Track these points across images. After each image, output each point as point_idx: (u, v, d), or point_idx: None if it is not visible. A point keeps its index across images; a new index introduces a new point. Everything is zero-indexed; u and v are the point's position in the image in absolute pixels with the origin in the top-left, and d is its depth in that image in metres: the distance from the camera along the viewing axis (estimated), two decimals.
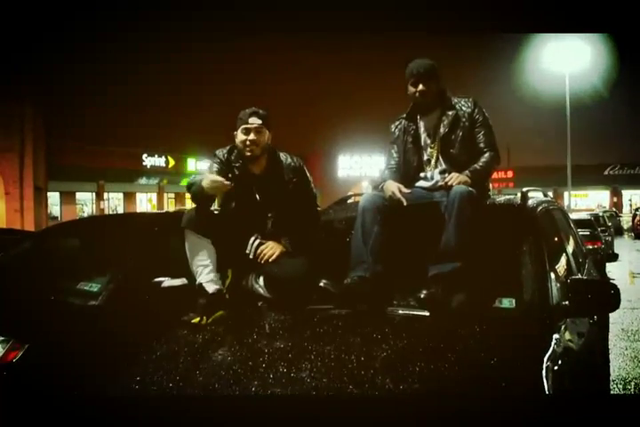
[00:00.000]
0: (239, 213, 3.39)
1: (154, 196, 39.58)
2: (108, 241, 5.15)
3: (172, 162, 38.33)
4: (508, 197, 3.92)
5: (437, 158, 3.43)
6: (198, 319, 3.10)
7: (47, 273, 4.98)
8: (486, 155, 3.38)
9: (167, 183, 39.13)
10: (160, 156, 37.51)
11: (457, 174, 3.25)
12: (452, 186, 3.19)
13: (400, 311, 3.02)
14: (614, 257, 15.99)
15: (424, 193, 3.38)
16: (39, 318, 4.21)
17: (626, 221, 36.22)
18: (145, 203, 38.76)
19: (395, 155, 3.56)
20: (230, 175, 3.38)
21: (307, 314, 3.08)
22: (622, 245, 22.59)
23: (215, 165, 3.44)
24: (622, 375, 6.04)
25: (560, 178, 33.85)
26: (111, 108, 39.01)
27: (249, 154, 3.38)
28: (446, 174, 3.35)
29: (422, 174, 3.48)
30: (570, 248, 4.09)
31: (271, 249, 3.33)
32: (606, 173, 48.31)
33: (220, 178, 3.22)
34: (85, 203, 35.23)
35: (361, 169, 47.47)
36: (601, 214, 21.95)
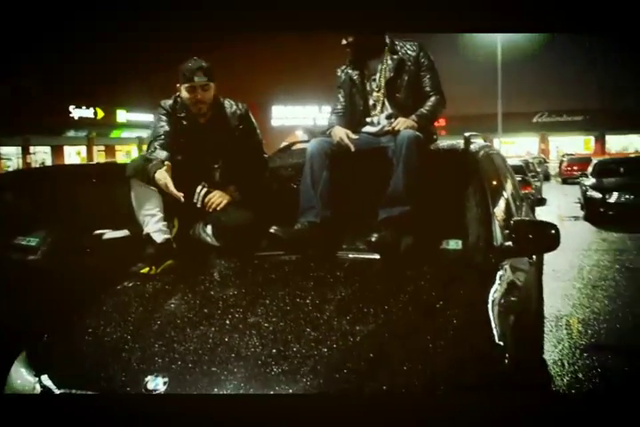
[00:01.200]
0: (186, 162, 3.33)
1: (83, 149, 38.46)
2: (44, 194, 4.99)
3: (100, 113, 37.12)
4: (450, 142, 3.97)
5: (383, 103, 3.43)
6: (147, 269, 3.07)
7: None
8: (432, 99, 3.39)
9: (96, 136, 38.02)
10: (88, 107, 36.25)
11: (404, 119, 3.26)
12: (399, 131, 3.19)
13: (350, 255, 3.06)
14: (543, 202, 16.50)
15: (371, 138, 3.38)
16: None
17: (553, 167, 37.34)
18: (74, 156, 37.64)
19: (341, 99, 3.54)
20: (177, 126, 3.33)
21: (257, 261, 3.09)
22: (550, 191, 23.31)
23: (161, 117, 3.35)
24: (554, 313, 6.32)
25: (491, 125, 34.43)
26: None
27: (197, 111, 3.32)
28: (392, 119, 3.35)
29: (368, 119, 3.47)
30: (509, 191, 4.19)
31: (218, 197, 3.30)
32: (534, 120, 49.33)
33: (170, 185, 3.10)
34: (10, 157, 33.99)
35: (295, 119, 47.12)
36: (530, 161, 22.53)
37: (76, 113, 35.75)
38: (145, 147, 3.46)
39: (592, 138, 48.74)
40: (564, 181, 30.72)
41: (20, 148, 33.91)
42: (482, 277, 2.83)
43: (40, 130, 32.62)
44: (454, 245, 3.11)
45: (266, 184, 3.50)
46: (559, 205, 17.85)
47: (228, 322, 2.36)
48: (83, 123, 36.25)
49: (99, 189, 5.12)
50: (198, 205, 3.31)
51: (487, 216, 3.20)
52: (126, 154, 39.02)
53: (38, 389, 2.29)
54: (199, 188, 3.32)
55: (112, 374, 2.16)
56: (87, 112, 36.35)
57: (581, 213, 15.32)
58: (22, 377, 2.42)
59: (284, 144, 4.38)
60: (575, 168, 29.83)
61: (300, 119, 46.97)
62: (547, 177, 30.52)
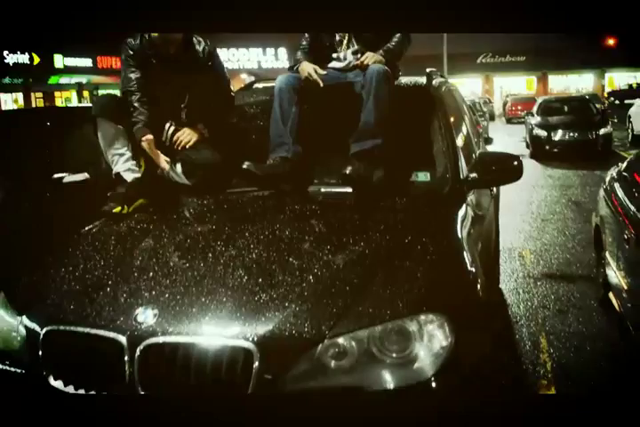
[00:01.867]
0: (153, 99, 3.27)
1: (20, 96, 37.03)
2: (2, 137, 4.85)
3: (36, 59, 35.63)
4: (413, 78, 3.99)
5: (350, 39, 3.41)
6: (119, 209, 3.05)
7: None
8: (398, 35, 3.39)
9: (33, 82, 36.57)
10: (23, 52, 34.72)
11: (372, 54, 3.26)
12: (367, 65, 3.20)
13: (323, 189, 3.10)
14: (490, 141, 16.66)
15: (338, 74, 3.38)
16: None
17: (497, 107, 37.68)
18: (10, 104, 36.24)
19: (307, 36, 3.51)
20: (146, 66, 3.26)
21: (230, 197, 3.11)
22: (496, 130, 23.62)
23: (129, 60, 3.26)
24: (507, 246, 6.53)
25: (436, 66, 34.34)
26: None
27: (165, 51, 3.25)
28: (359, 55, 3.35)
29: (335, 55, 3.46)
30: (469, 126, 4.26)
31: (187, 135, 3.27)
32: (479, 61, 49.39)
33: (156, 152, 3.13)
34: None
35: (238, 62, 46.11)
36: (477, 101, 22.70)
37: (11, 59, 34.25)
38: (86, 93, 3.38)
39: (534, 78, 49.15)
40: (509, 121, 31.17)
41: None
42: (451, 207, 2.92)
43: None
44: (423, 177, 3.18)
45: (234, 122, 3.48)
46: (505, 144, 18.13)
47: (210, 255, 2.39)
48: (18, 69, 34.78)
49: (53, 132, 5.02)
50: (167, 144, 3.28)
51: (453, 149, 3.27)
52: (65, 100, 37.69)
53: (22, 330, 2.29)
54: (167, 126, 3.29)
55: (100, 308, 2.18)
56: (22, 57, 34.85)
57: (527, 152, 15.63)
58: (4, 319, 2.42)
59: (252, 81, 4.33)
60: (519, 108, 30.26)
61: (244, 62, 46.03)
62: (492, 117, 30.84)
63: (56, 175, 4.69)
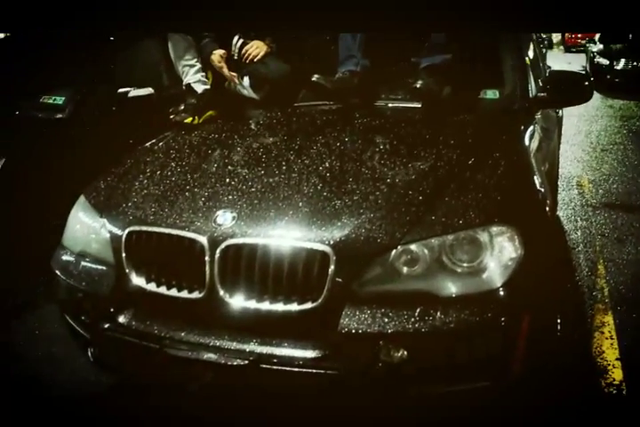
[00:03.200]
0: None
1: None
2: (66, 51, 4.90)
3: None
4: None
5: None
6: (191, 119, 3.11)
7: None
8: None
9: None
10: None
11: None
12: None
13: (391, 104, 3.10)
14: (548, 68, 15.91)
15: None
16: (9, 134, 4.13)
17: (555, 35, 36.20)
18: None
19: None
20: None
21: (299, 111, 3.13)
22: (554, 59, 22.79)
23: None
24: (565, 174, 6.45)
25: None
26: None
27: None
28: None
29: None
30: (537, 46, 4.16)
31: (256, 49, 3.27)
32: None
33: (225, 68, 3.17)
34: None
35: None
36: None
37: None
38: None
39: None
40: (567, 50, 29.98)
41: None
42: (520, 125, 2.90)
43: None
44: (492, 94, 3.14)
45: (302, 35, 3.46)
46: None
47: (283, 164, 2.44)
48: None
49: (117, 46, 5.04)
50: (235, 57, 3.29)
51: (523, 67, 3.21)
52: None
53: (104, 231, 2.39)
54: (235, 39, 3.29)
55: (180, 211, 2.26)
56: None
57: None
58: (84, 222, 2.53)
59: None
60: (579, 36, 29.01)
61: None
62: (549, 45, 29.71)
63: (121, 90, 4.75)
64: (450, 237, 2.06)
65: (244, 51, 3.28)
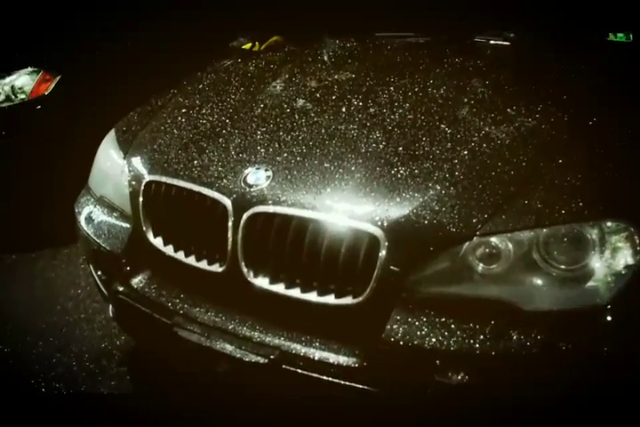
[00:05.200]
0: None
1: None
2: None
3: None
4: None
5: None
6: (250, 45, 2.63)
7: None
8: None
9: None
10: None
11: None
12: None
13: (493, 41, 2.50)
14: None
15: None
16: (68, 48, 3.76)
17: None
18: None
19: None
20: None
21: (379, 42, 2.59)
22: None
23: None
24: None
25: None
26: None
27: None
28: None
29: None
30: None
31: None
32: None
33: None
34: None
35: None
36: None
37: None
38: None
39: None
40: None
41: None
42: None
43: None
44: (623, 37, 2.50)
45: None
46: None
47: (344, 110, 1.94)
48: None
49: None
50: None
51: None
52: None
53: (126, 173, 2.00)
54: None
55: (208, 162, 1.82)
56: None
57: None
58: (109, 161, 2.15)
59: None
60: None
61: None
62: None
63: None
64: (546, 231, 1.54)
65: None
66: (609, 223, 1.55)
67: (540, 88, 2.08)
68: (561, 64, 2.29)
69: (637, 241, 1.53)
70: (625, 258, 1.54)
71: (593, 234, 1.55)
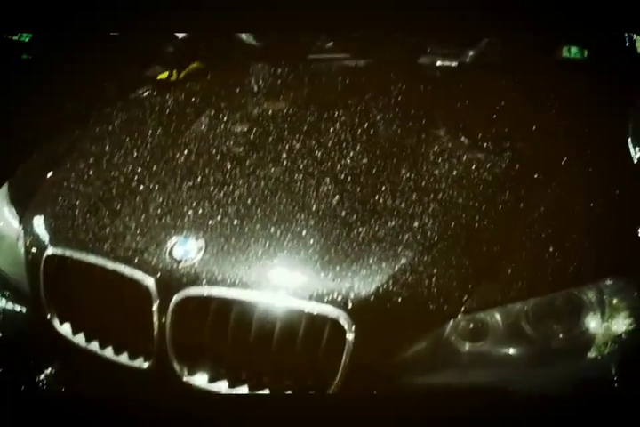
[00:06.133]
0: None
1: None
2: None
3: None
4: None
5: None
6: (167, 73, 2.31)
7: None
8: None
9: None
10: None
11: None
12: None
13: (441, 62, 2.25)
14: None
15: None
16: None
17: None
18: None
19: None
20: None
21: (314, 66, 2.31)
22: None
23: None
24: None
25: None
26: None
27: None
28: None
29: None
30: None
31: None
32: None
33: None
34: None
35: None
36: None
37: None
38: None
39: None
40: None
41: None
42: (618, 93, 2.08)
43: None
44: (577, 53, 2.31)
45: None
46: None
47: (285, 156, 1.64)
48: None
49: None
50: None
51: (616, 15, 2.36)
52: None
53: (21, 248, 1.62)
54: None
55: (123, 230, 1.48)
56: None
57: None
58: (5, 220, 1.76)
59: None
60: None
61: None
62: None
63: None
64: (539, 299, 1.29)
65: None
66: (608, 281, 1.31)
67: (503, 118, 1.84)
68: (517, 89, 2.07)
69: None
70: (627, 321, 1.30)
71: (591, 296, 1.30)
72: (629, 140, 1.80)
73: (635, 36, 2.35)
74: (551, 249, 1.33)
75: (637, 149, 1.77)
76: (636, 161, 1.71)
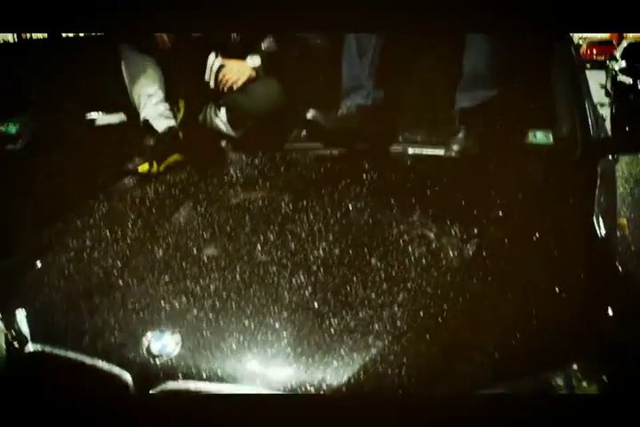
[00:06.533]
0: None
1: None
2: (25, 72, 4.21)
3: None
4: None
5: None
6: (147, 166, 2.37)
7: None
8: None
9: None
10: None
11: None
12: None
13: (411, 150, 2.35)
14: None
15: None
16: None
17: None
18: None
19: None
20: None
21: (288, 156, 2.39)
22: None
23: None
24: None
25: None
26: None
27: None
28: None
29: None
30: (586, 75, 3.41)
31: (236, 73, 2.53)
32: None
33: None
34: None
35: None
36: None
37: None
38: None
39: None
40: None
41: None
42: (581, 178, 2.16)
43: None
44: (543, 138, 2.40)
45: (296, 55, 2.71)
46: None
47: (259, 248, 1.69)
48: None
49: (91, 62, 4.32)
50: (211, 84, 2.56)
51: (581, 100, 2.49)
52: None
53: (4, 336, 1.65)
54: (211, 59, 2.56)
55: (101, 325, 1.51)
56: None
57: (607, 100, 14.31)
58: None
59: None
60: (595, 51, 28.41)
61: None
62: None
63: (88, 115, 4.03)
64: (506, 385, 1.32)
65: (220, 75, 2.55)
66: (575, 366, 1.35)
67: (473, 204, 1.90)
68: (489, 175, 2.15)
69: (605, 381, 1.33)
70: None
71: (559, 381, 1.33)
72: (594, 218, 1.88)
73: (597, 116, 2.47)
74: (518, 335, 1.37)
75: (602, 226, 1.84)
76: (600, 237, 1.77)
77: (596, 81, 17.71)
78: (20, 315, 1.66)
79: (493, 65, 2.31)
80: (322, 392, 1.28)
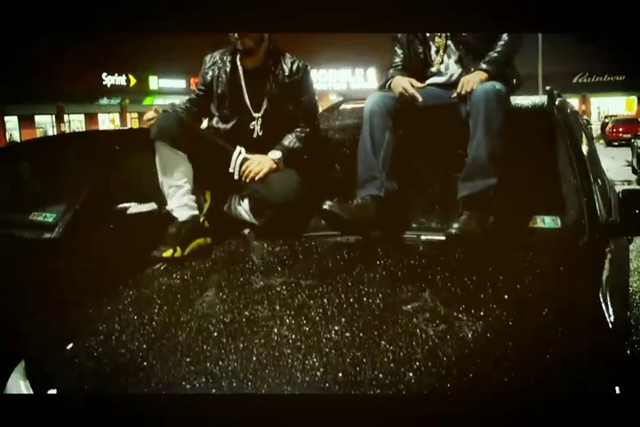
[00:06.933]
0: (222, 119, 2.79)
1: (116, 116, 38.03)
2: (63, 163, 4.46)
3: (133, 81, 36.61)
4: (526, 96, 3.34)
5: (446, 46, 2.79)
6: (171, 252, 2.53)
7: None
8: (505, 36, 2.71)
9: (129, 103, 37.53)
10: (120, 74, 35.75)
11: (469, 77, 2.62)
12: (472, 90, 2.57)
13: (424, 237, 2.47)
14: None
15: (440, 91, 2.76)
16: None
17: (595, 128, 35.91)
18: (107, 123, 37.23)
19: (398, 51, 2.92)
20: (216, 76, 2.87)
21: (307, 243, 2.52)
22: None
23: (205, 69, 2.93)
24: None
25: (530, 87, 33.02)
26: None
27: (240, 47, 2.79)
28: (462, 66, 2.74)
29: (434, 69, 2.85)
30: (598, 156, 3.54)
31: (258, 165, 2.73)
32: (575, 81, 47.50)
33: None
34: (44, 126, 33.60)
35: (326, 83, 45.97)
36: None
37: (109, 80, 35.33)
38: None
39: (635, 98, 46.75)
40: (609, 144, 29.48)
41: (53, 116, 33.55)
42: (590, 262, 2.24)
43: (73, 98, 32.15)
44: (551, 222, 2.50)
45: (315, 149, 2.90)
46: (608, 168, 16.84)
47: (276, 331, 1.80)
48: (116, 90, 35.81)
49: (123, 157, 4.58)
50: (235, 176, 2.75)
51: (588, 185, 2.59)
52: None
53: None
54: (235, 153, 2.76)
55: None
56: (120, 79, 35.90)
57: (634, 177, 14.42)
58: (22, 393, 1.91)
59: (339, 101, 3.77)
60: (621, 130, 28.77)
61: (333, 83, 45.89)
62: None
63: (121, 205, 4.23)
64: None
65: (244, 167, 2.74)
66: None
67: (482, 287, 1.99)
68: (496, 260, 2.24)
69: None
70: None
71: None
72: (602, 302, 1.95)
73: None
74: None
75: (611, 311, 1.91)
76: (610, 325, 1.83)
77: (622, 159, 17.92)
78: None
79: (494, 155, 2.45)
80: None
